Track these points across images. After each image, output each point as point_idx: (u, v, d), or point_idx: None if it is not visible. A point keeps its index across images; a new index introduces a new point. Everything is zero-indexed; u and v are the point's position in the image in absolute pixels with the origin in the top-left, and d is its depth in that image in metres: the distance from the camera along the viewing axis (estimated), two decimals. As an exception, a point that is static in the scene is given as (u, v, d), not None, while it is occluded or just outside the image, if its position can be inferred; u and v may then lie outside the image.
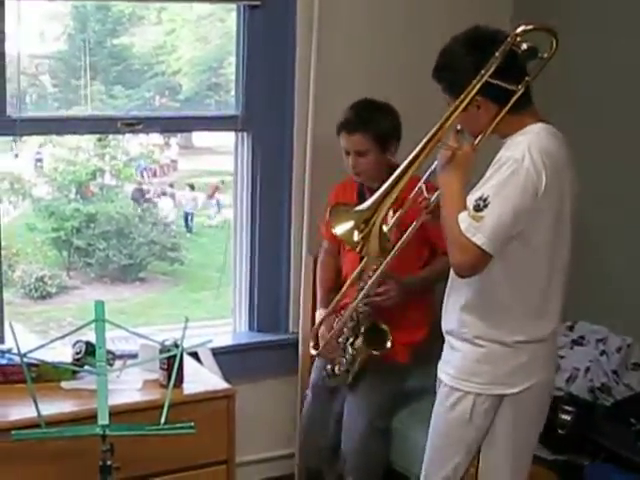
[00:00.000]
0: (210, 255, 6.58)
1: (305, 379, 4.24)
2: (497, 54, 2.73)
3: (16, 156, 5.61)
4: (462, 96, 2.77)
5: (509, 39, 2.74)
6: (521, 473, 3.11)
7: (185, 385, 3.50)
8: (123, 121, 3.98)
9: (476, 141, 2.87)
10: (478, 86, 2.75)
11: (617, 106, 4.24)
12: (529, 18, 2.84)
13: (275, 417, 4.30)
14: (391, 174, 2.84)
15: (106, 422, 2.84)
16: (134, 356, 3.65)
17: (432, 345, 3.40)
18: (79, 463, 3.13)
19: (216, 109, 4.87)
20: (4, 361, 3.47)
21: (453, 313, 3.00)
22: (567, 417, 3.68)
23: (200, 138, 6.40)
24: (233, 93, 4.38)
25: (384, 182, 2.82)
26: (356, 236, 2.79)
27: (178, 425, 2.94)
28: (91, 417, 2.96)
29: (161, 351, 3.35)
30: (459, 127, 2.87)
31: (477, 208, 2.71)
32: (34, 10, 4.20)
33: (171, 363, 3.24)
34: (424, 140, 2.80)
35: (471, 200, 2.74)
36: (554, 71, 2.93)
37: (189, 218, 6.94)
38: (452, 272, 2.92)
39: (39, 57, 4.91)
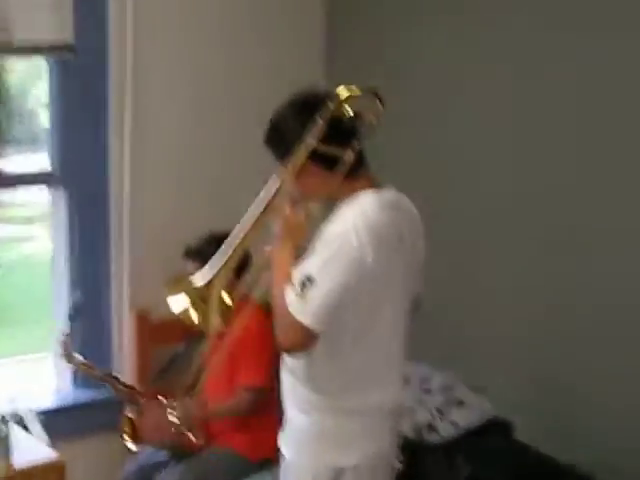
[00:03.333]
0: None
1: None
2: (320, 120, 2.65)
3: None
4: (290, 165, 2.68)
5: (330, 106, 2.66)
6: None
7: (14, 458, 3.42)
8: None
9: (308, 209, 2.75)
10: (306, 153, 2.66)
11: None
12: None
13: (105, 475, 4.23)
14: None
15: None
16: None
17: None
18: None
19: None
20: None
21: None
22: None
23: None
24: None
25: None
26: (195, 316, 2.63)
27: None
28: None
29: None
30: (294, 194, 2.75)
31: (303, 287, 2.60)
32: None
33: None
34: (254, 209, 2.70)
35: (297, 276, 2.63)
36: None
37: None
38: None
39: None
